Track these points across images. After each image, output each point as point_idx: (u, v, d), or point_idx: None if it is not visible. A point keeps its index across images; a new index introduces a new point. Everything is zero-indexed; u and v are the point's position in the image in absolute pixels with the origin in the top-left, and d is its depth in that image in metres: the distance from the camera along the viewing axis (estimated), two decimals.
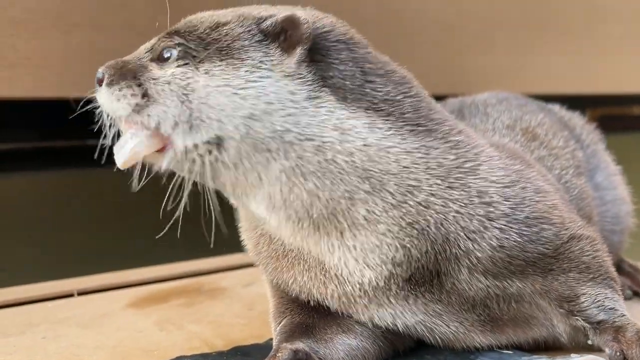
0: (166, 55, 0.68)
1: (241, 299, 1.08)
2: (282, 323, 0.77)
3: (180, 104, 0.64)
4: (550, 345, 0.77)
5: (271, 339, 0.79)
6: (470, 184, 0.69)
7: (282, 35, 0.67)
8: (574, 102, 1.94)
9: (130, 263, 1.29)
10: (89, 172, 1.47)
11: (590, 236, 0.77)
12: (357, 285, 0.70)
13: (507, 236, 0.69)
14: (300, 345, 0.70)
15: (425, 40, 1.66)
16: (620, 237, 1.03)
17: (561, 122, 1.03)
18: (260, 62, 0.66)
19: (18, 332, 0.94)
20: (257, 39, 0.68)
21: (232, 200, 0.74)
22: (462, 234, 0.68)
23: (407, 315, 0.72)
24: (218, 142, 0.64)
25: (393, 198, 0.67)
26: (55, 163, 1.41)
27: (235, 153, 0.64)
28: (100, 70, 0.69)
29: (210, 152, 0.65)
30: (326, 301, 0.74)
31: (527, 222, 0.71)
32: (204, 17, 0.71)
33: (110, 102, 0.67)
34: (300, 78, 0.66)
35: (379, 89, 0.69)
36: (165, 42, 0.69)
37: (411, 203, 0.67)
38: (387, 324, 0.73)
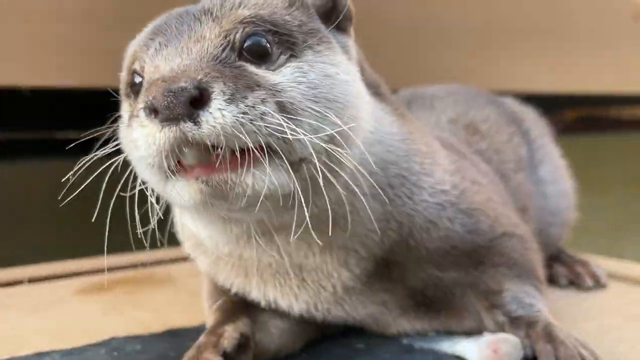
0: (251, 45, 0.56)
1: (185, 287, 1.09)
2: (219, 301, 0.76)
3: (313, 108, 0.55)
4: None
5: (203, 324, 0.80)
6: (435, 171, 0.69)
7: (332, 13, 0.64)
8: (549, 101, 1.98)
9: (84, 251, 1.29)
10: (49, 163, 1.47)
11: (521, 235, 0.78)
12: (331, 289, 0.68)
13: (452, 226, 0.70)
14: (241, 326, 0.70)
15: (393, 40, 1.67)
16: (559, 230, 1.05)
17: (509, 117, 1.05)
18: (336, 44, 0.63)
19: None
20: (319, 23, 0.63)
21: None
22: (423, 224, 0.68)
23: (359, 310, 0.72)
24: (332, 138, 0.56)
25: (390, 189, 0.65)
26: (19, 153, 1.42)
27: (341, 146, 0.57)
28: (190, 82, 0.49)
29: (326, 151, 0.55)
30: (290, 310, 0.72)
31: (467, 212, 0.71)
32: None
33: (250, 123, 0.50)
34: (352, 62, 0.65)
35: (368, 72, 0.69)
36: (247, 29, 0.57)
37: (399, 194, 0.65)
38: (337, 320, 0.73)
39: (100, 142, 0.62)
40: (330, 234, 0.60)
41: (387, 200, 0.65)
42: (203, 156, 0.51)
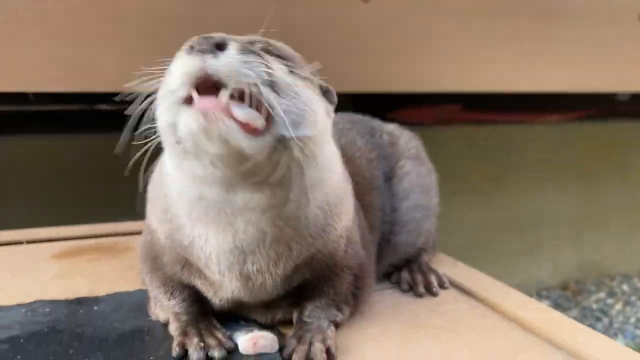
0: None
1: (134, 259, 1.36)
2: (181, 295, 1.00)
3: (294, 96, 0.77)
4: None
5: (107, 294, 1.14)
6: (349, 207, 1.01)
7: (328, 94, 0.92)
8: None
9: (78, 218, 1.65)
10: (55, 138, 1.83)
11: (360, 275, 1.03)
12: (260, 282, 0.93)
13: (339, 246, 0.98)
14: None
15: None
16: (409, 238, 1.25)
17: (375, 143, 1.25)
18: (323, 100, 0.89)
19: None
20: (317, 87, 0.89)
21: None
22: (333, 239, 0.97)
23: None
24: (305, 140, 0.79)
25: (330, 209, 0.95)
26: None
27: (312, 152, 0.82)
28: (219, 36, 0.72)
29: (296, 146, 0.78)
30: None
31: (350, 239, 1.01)
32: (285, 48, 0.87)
33: (242, 68, 0.71)
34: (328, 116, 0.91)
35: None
36: (261, 45, 0.81)
37: (334, 215, 0.95)
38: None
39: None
40: (282, 228, 0.87)
41: (330, 215, 0.93)
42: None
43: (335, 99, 0.93)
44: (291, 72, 0.80)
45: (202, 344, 0.89)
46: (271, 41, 0.83)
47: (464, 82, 1.97)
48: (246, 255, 0.89)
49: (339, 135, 1.22)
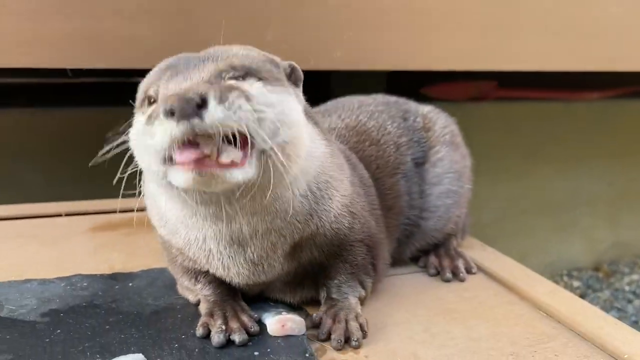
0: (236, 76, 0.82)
1: None
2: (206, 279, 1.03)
3: (273, 113, 0.78)
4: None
5: (143, 269, 1.18)
6: (344, 180, 1.00)
7: (292, 75, 0.93)
8: None
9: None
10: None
11: (371, 244, 1.05)
12: (262, 267, 0.96)
13: (344, 221, 0.99)
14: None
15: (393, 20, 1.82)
16: (438, 224, 1.26)
17: (408, 127, 1.25)
18: (293, 91, 0.91)
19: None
20: (284, 77, 0.91)
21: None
22: (332, 218, 0.98)
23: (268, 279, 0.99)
24: (282, 145, 0.80)
25: (319, 192, 0.95)
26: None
27: (290, 153, 0.82)
28: (196, 96, 0.72)
29: (277, 152, 0.78)
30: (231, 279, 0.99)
31: (351, 214, 1.00)
32: (245, 53, 0.88)
33: (229, 120, 0.73)
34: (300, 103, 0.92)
35: (310, 111, 0.98)
36: (229, 70, 0.82)
37: (324, 195, 0.96)
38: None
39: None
40: (270, 222, 0.90)
41: (315, 200, 0.94)
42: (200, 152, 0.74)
43: (301, 74, 0.94)
44: (262, 82, 0.82)
45: (223, 327, 0.92)
46: (235, 58, 0.84)
47: (498, 60, 1.94)
48: (244, 247, 0.93)
49: (367, 117, 1.23)
